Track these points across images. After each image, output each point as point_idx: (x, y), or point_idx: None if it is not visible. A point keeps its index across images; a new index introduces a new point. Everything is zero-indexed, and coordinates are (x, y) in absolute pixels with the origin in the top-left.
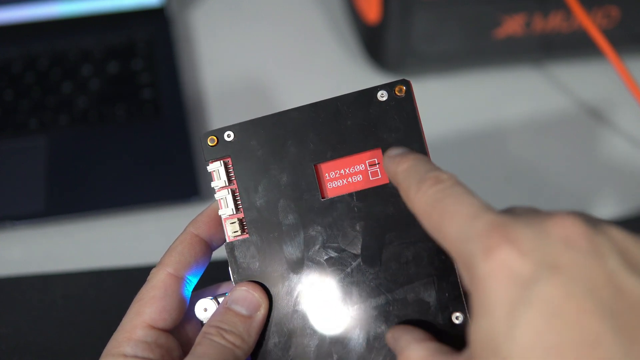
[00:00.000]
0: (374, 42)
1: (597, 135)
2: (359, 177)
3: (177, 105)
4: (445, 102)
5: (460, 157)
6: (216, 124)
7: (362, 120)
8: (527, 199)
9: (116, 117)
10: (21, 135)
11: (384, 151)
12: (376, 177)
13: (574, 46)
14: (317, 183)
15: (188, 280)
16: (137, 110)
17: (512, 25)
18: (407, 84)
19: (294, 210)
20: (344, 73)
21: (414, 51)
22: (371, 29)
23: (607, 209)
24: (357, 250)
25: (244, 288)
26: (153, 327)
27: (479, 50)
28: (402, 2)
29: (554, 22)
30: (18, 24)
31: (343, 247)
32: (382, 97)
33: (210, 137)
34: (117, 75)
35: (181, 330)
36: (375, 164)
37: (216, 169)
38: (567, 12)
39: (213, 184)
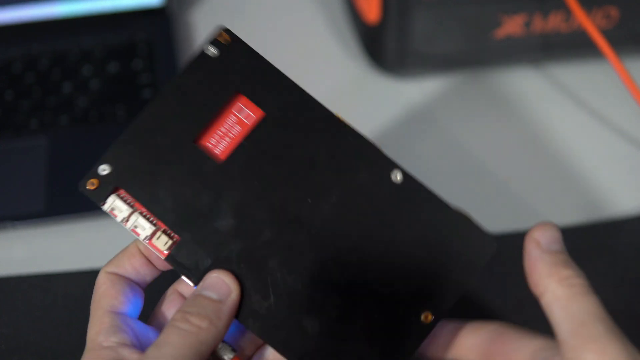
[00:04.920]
0: (373, 42)
1: (596, 136)
2: (238, 128)
3: None
4: (445, 102)
5: (460, 158)
6: None
7: (208, 81)
8: (527, 199)
9: (117, 117)
10: (21, 135)
11: (243, 93)
12: (251, 118)
13: (574, 46)
14: (207, 154)
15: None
16: (138, 111)
17: (512, 26)
18: (225, 29)
19: (202, 190)
20: (344, 73)
21: (413, 51)
22: (371, 29)
23: (607, 209)
24: (283, 186)
25: (214, 275)
26: (117, 312)
27: (478, 50)
28: (402, 3)
29: (554, 22)
30: (18, 24)
31: (266, 191)
32: (214, 52)
33: (89, 183)
34: (117, 76)
35: (163, 322)
36: (242, 109)
37: (113, 205)
38: (567, 12)
39: (118, 220)
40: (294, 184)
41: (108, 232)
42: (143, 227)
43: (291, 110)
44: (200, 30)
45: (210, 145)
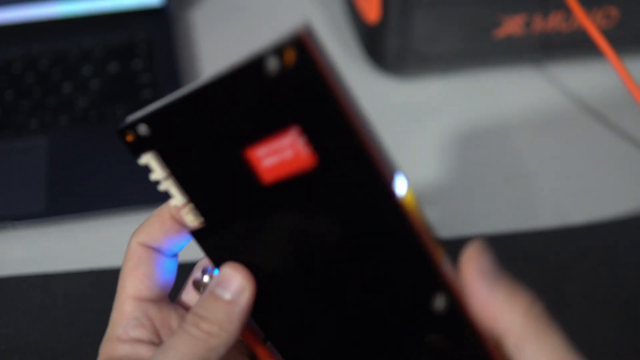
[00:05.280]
0: (374, 42)
1: (596, 136)
2: (290, 152)
3: None
4: (445, 102)
5: (460, 158)
6: None
7: (259, 99)
8: (527, 199)
9: (116, 117)
10: (21, 135)
11: (300, 128)
12: (308, 150)
13: (574, 46)
14: (252, 168)
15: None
16: (138, 111)
17: (512, 26)
18: (300, 43)
19: (237, 199)
20: (344, 73)
21: (414, 51)
22: (371, 29)
23: (607, 209)
24: (316, 246)
25: (227, 269)
26: (139, 299)
27: (479, 50)
28: (402, 2)
29: (554, 22)
30: (18, 24)
31: (298, 244)
32: (274, 67)
33: (125, 134)
34: (117, 76)
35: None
36: (300, 136)
37: (147, 162)
38: (567, 12)
39: (152, 178)
40: (328, 251)
41: (108, 232)
42: (174, 195)
43: (349, 173)
44: (200, 30)
45: (257, 156)
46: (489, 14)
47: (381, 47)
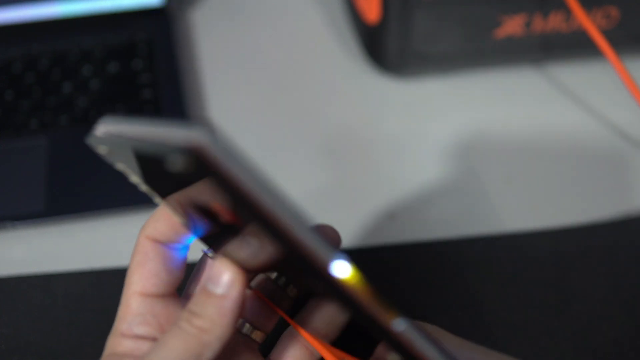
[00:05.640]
0: (374, 42)
1: (596, 135)
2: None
3: (177, 106)
4: (445, 102)
5: (461, 158)
6: (217, 124)
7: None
8: (527, 199)
9: None
10: (21, 135)
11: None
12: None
13: (574, 46)
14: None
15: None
16: (138, 111)
17: (512, 26)
18: (194, 154)
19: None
20: (344, 73)
21: (414, 51)
22: (371, 29)
23: (606, 209)
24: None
25: (218, 264)
26: (145, 295)
27: (479, 50)
28: (402, 2)
29: (554, 22)
30: (18, 24)
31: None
32: (177, 165)
33: (95, 146)
34: (117, 76)
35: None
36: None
37: (122, 169)
38: (567, 12)
39: (131, 181)
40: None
41: (108, 232)
42: (154, 197)
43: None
44: (200, 30)
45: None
46: (489, 14)
47: (381, 47)
